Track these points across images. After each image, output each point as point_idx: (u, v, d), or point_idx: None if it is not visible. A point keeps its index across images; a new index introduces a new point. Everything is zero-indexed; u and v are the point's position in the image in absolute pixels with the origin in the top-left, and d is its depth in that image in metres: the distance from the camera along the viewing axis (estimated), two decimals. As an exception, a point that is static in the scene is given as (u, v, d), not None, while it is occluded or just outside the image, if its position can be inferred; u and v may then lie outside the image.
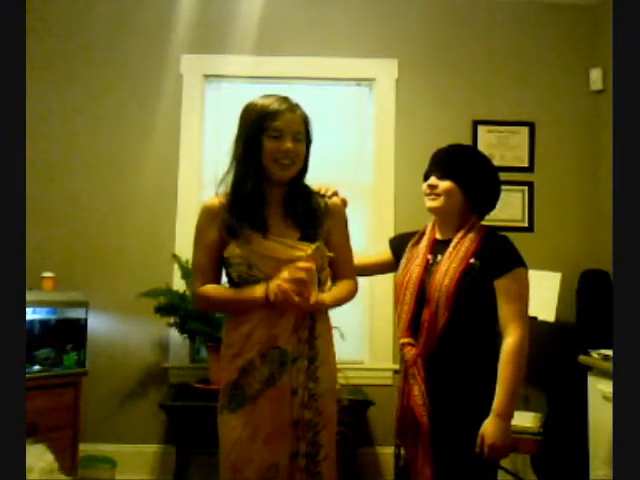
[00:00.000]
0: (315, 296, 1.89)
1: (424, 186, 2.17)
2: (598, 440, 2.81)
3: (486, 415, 1.94)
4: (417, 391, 2.02)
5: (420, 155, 3.92)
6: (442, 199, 2.11)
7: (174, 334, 3.54)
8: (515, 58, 3.91)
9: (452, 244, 2.08)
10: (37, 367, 3.13)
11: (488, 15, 3.91)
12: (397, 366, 3.64)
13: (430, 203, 2.15)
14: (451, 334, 2.00)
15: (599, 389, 2.82)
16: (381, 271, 2.44)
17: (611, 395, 2.55)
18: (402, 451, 2.12)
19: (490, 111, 3.87)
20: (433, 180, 2.14)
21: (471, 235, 2.08)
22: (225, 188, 1.99)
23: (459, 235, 2.09)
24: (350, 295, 2.05)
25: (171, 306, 3.35)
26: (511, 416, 1.96)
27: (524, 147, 3.87)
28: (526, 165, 3.86)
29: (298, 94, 3.98)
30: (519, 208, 3.80)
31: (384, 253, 2.37)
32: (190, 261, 2.14)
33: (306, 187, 2.09)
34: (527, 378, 2.06)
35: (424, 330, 2.03)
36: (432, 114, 3.86)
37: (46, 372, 3.13)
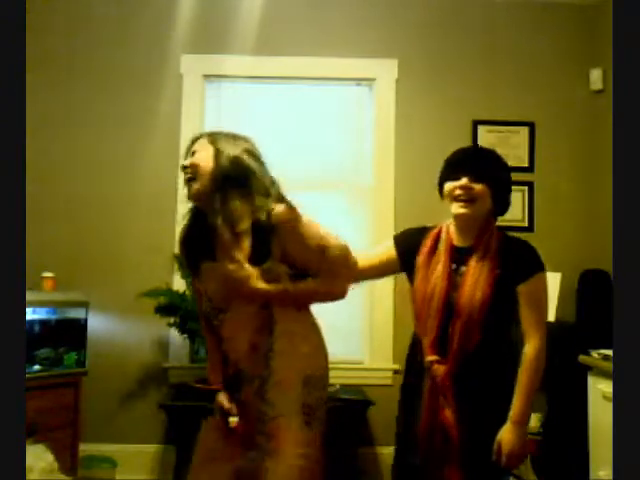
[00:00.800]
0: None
1: (453, 188, 1.99)
2: (598, 440, 2.81)
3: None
4: (449, 411, 1.92)
5: (420, 155, 3.95)
6: (477, 204, 1.97)
7: (174, 334, 3.55)
8: (515, 58, 3.91)
9: (477, 254, 1.98)
10: (37, 367, 3.13)
11: (488, 15, 3.90)
12: (397, 366, 3.65)
13: (461, 210, 1.98)
14: (482, 348, 1.93)
15: (599, 389, 2.81)
16: (382, 273, 2.25)
17: (611, 395, 2.55)
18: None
19: (490, 111, 3.87)
20: (466, 182, 1.97)
21: (493, 242, 1.99)
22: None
23: (482, 243, 1.99)
24: (321, 291, 1.91)
25: (171, 306, 3.35)
26: (527, 422, 1.93)
27: (524, 147, 3.87)
28: (526, 165, 3.86)
29: (298, 94, 4.03)
30: (519, 208, 3.80)
31: (387, 252, 2.17)
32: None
33: None
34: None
35: (455, 345, 1.93)
36: (432, 114, 3.85)
37: (46, 372, 3.14)
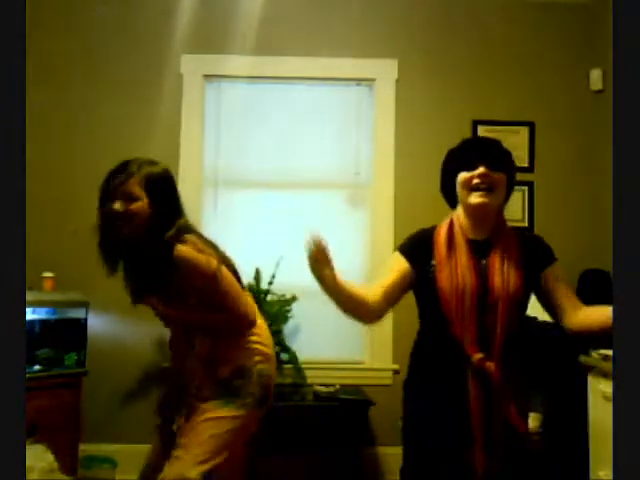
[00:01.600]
0: None
1: (470, 178, 1.92)
2: (598, 440, 2.81)
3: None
4: (511, 406, 1.87)
5: (420, 155, 3.95)
6: (495, 193, 1.92)
7: (174, 334, 3.54)
8: (515, 58, 3.91)
9: (499, 246, 1.94)
10: (37, 367, 3.14)
11: (488, 15, 3.91)
12: (397, 366, 3.65)
13: (480, 199, 1.91)
14: (515, 337, 1.92)
15: (599, 389, 2.81)
16: (405, 287, 2.01)
17: (611, 395, 2.55)
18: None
19: (490, 111, 3.87)
20: (484, 170, 1.90)
21: (511, 233, 2.00)
22: None
23: (503, 234, 1.97)
24: (221, 321, 2.17)
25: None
26: None
27: (524, 147, 3.87)
28: (526, 165, 3.86)
29: (298, 94, 4.03)
30: (519, 208, 3.81)
31: (397, 264, 1.99)
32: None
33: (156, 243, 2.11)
34: (528, 378, 2.03)
35: (498, 340, 1.88)
36: (432, 114, 3.86)
37: (46, 372, 3.14)
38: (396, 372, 3.64)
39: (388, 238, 3.77)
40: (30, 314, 3.18)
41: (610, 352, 2.76)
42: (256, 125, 3.86)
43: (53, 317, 3.29)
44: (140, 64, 3.81)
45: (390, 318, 3.71)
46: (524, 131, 3.87)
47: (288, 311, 3.58)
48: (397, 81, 3.87)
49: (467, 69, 3.89)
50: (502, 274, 1.90)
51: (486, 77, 3.89)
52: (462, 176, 1.95)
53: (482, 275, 1.91)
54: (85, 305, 3.31)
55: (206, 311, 2.16)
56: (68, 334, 3.28)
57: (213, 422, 2.08)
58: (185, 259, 2.05)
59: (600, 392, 2.80)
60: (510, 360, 1.91)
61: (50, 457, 2.61)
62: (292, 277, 3.31)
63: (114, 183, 2.16)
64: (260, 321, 2.27)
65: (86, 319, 3.32)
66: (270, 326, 2.41)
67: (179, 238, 2.08)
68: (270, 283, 3.54)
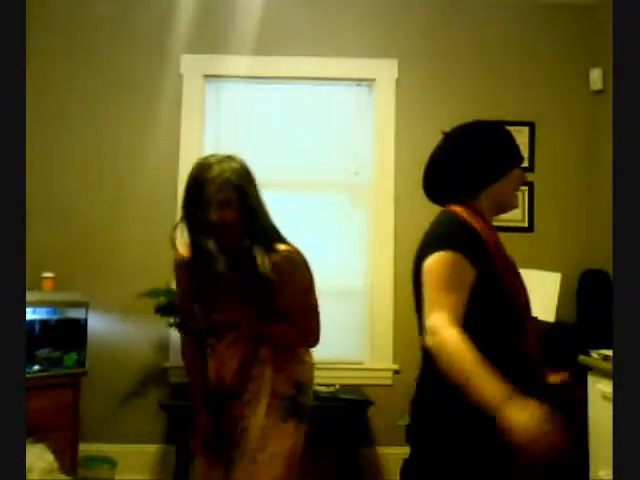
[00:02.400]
0: None
1: (524, 177, 1.84)
2: (598, 440, 2.81)
3: None
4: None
5: (420, 155, 3.91)
6: None
7: (174, 334, 3.54)
8: (515, 58, 3.91)
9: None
10: (37, 367, 3.14)
11: (488, 15, 3.90)
12: (397, 366, 3.65)
13: (517, 199, 1.82)
14: None
15: (599, 389, 2.81)
16: None
17: (611, 395, 2.55)
18: None
19: (490, 111, 3.86)
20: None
21: None
22: None
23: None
24: (292, 336, 2.04)
25: (171, 306, 3.34)
26: None
27: (524, 147, 3.86)
28: (526, 165, 3.86)
29: (298, 94, 4.02)
30: (519, 208, 3.80)
31: (471, 274, 1.59)
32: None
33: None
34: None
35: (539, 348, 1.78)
36: (432, 114, 3.85)
37: (46, 372, 3.14)
38: (396, 372, 3.64)
39: (388, 238, 3.77)
40: (30, 314, 3.18)
41: (610, 352, 2.76)
42: (256, 125, 3.86)
43: (53, 317, 3.29)
44: (140, 64, 3.81)
45: (390, 318, 3.71)
46: (524, 131, 3.87)
47: (288, 311, 3.58)
48: (397, 81, 3.87)
49: (467, 69, 3.88)
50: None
51: (486, 77, 3.89)
52: (519, 173, 1.82)
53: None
54: (85, 305, 3.31)
55: (282, 321, 2.01)
56: (68, 334, 3.28)
57: (283, 446, 2.01)
58: (293, 260, 1.97)
59: (600, 392, 2.80)
60: None
61: (50, 457, 2.62)
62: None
63: (210, 190, 1.93)
64: None
65: (86, 319, 3.32)
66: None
67: (280, 237, 2.02)
68: (270, 283, 3.53)
